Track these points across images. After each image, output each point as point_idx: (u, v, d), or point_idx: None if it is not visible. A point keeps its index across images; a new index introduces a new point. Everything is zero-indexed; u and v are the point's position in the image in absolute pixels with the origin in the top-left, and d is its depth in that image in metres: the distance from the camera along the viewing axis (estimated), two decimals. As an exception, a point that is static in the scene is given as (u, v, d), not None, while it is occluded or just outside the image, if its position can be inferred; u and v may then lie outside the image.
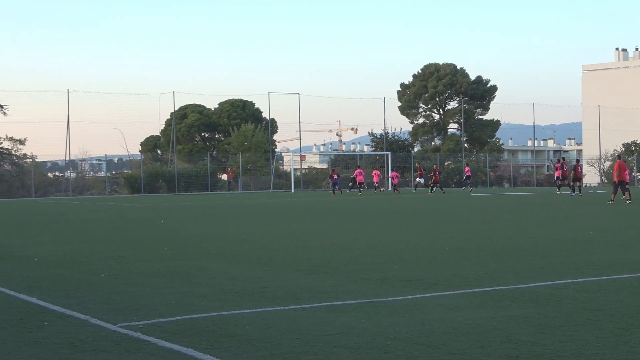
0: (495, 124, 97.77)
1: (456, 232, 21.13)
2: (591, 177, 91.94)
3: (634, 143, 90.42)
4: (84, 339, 8.13)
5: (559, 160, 56.31)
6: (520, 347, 7.48)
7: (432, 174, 58.51)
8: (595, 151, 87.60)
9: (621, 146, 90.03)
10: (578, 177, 50.55)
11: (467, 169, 65.18)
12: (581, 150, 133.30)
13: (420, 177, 64.39)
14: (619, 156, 41.19)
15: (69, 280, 12.65)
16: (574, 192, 49.45)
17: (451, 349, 7.48)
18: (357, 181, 61.11)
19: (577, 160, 52.87)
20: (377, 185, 64.67)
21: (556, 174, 54.07)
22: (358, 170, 62.90)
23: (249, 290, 11.19)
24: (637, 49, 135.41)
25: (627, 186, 38.35)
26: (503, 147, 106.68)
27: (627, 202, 36.90)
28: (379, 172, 65.27)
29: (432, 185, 58.49)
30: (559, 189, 53.19)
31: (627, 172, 38.89)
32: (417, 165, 70.21)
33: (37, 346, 7.90)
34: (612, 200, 37.12)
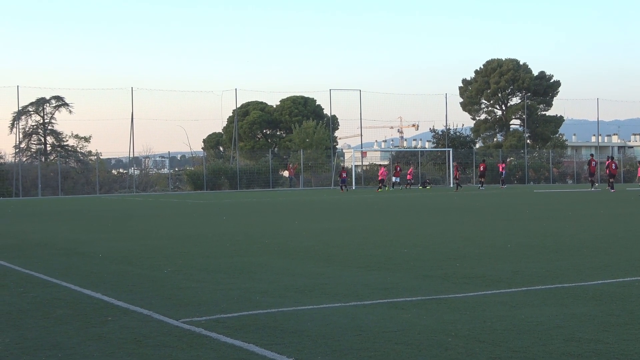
0: (558, 120, 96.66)
1: (518, 229, 20.96)
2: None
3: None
4: (147, 334, 8.23)
5: (609, 157, 56.45)
6: (583, 345, 7.41)
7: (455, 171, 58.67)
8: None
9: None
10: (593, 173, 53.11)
11: (482, 166, 63.95)
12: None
13: (396, 175, 64.13)
14: None
15: (132, 276, 12.81)
16: (593, 188, 51.29)
17: (513, 347, 7.43)
18: (379, 179, 60.89)
19: (610, 158, 53.59)
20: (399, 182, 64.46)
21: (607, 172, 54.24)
22: (382, 169, 62.45)
23: (310, 286, 11.22)
24: None
25: None
26: (566, 143, 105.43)
27: None
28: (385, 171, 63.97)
29: (456, 183, 58.42)
30: (609, 186, 53.40)
31: None
32: (396, 164, 70.19)
33: (101, 341, 8.01)
34: None
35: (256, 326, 8.51)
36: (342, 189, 58.76)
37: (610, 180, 51.57)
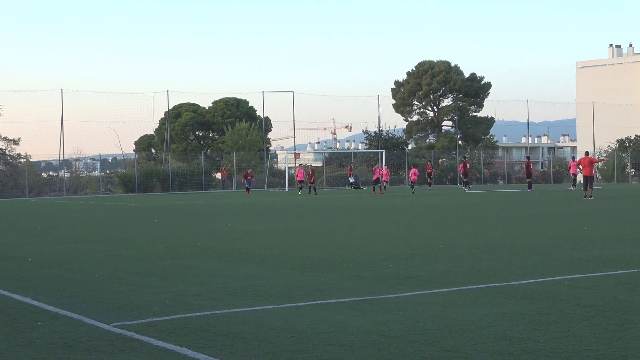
0: (489, 121, 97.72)
1: (450, 230, 21.14)
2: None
3: (628, 139, 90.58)
4: (77, 339, 8.13)
5: (528, 157, 59.95)
6: (514, 344, 7.50)
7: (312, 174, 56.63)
8: (589, 148, 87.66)
9: (615, 142, 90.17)
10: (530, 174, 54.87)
11: (413, 170, 61.41)
12: (575, 146, 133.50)
13: (350, 176, 64.66)
14: (586, 153, 42.21)
15: (63, 280, 12.64)
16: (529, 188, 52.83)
17: (445, 346, 7.49)
18: (297, 179, 58.74)
19: (528, 157, 58.35)
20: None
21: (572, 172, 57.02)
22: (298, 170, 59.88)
23: (243, 288, 11.19)
24: (630, 45, 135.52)
25: (589, 182, 38.78)
26: (497, 144, 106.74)
27: (586, 197, 37.55)
28: (303, 172, 60.11)
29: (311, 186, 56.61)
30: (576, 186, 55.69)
31: (589, 168, 39.25)
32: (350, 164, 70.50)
33: (31, 346, 7.89)
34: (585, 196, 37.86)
35: (189, 329, 8.46)
36: (248, 192, 57.51)
37: (465, 180, 55.63)
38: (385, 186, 55.99)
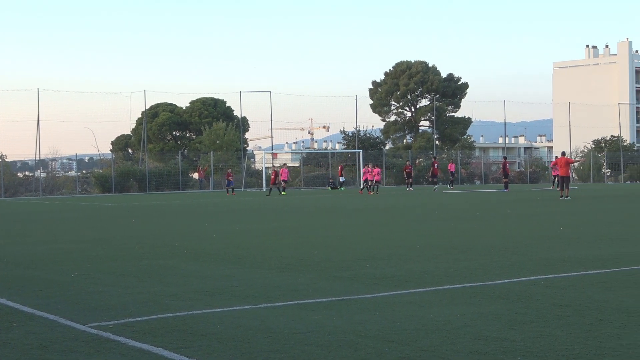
0: (466, 122, 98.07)
1: (427, 230, 21.19)
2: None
3: (604, 139, 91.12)
4: (53, 340, 8.09)
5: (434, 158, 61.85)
6: (490, 344, 7.52)
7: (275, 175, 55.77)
8: (565, 148, 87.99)
9: (591, 143, 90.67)
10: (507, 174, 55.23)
11: (376, 170, 59.89)
12: (552, 147, 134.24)
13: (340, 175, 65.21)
14: (563, 153, 42.35)
15: (38, 280, 12.57)
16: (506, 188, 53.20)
17: (422, 346, 7.50)
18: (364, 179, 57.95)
19: (505, 158, 59.86)
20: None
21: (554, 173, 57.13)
22: (283, 169, 57.66)
23: (220, 289, 11.17)
24: (607, 46, 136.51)
25: (565, 182, 38.90)
26: (474, 144, 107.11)
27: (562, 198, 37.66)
28: (287, 171, 58.89)
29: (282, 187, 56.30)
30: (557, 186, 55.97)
31: (565, 168, 39.32)
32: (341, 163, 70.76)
33: (6, 347, 7.84)
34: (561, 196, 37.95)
35: (165, 329, 8.43)
36: (228, 192, 57.11)
37: (433, 180, 58.48)
38: (372, 186, 55.30)
